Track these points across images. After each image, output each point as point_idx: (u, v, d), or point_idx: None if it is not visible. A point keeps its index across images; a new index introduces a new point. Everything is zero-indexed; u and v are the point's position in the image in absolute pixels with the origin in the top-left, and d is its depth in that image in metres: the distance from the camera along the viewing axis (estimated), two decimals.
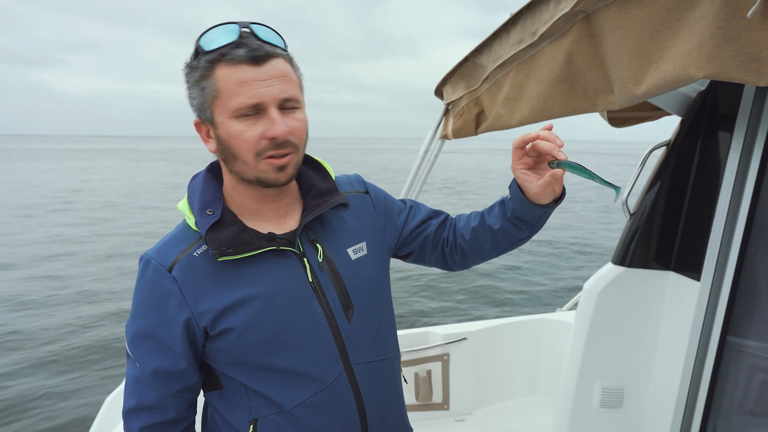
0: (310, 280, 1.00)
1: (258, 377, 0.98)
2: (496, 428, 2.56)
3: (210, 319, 0.95)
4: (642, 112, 2.06)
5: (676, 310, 1.85)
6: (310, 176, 1.09)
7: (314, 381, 0.99)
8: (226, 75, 0.88)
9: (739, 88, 1.58)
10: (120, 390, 2.23)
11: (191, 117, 0.97)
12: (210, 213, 0.96)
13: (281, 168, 0.92)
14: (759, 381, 1.54)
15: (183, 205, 1.01)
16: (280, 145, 0.90)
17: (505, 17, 1.59)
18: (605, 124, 2.30)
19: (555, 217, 15.40)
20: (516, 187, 1.04)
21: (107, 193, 21.46)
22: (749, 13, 0.71)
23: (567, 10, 1.21)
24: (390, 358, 1.12)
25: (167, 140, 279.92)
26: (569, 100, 1.34)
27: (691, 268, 1.75)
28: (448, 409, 2.68)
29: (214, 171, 1.05)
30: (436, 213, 1.25)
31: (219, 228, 0.95)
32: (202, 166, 1.05)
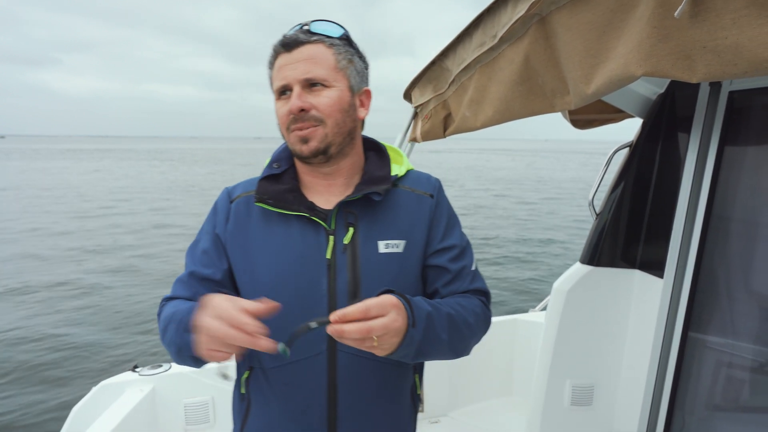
0: (328, 257, 1.03)
1: None
2: (471, 429, 2.57)
3: (233, 250, 1.07)
4: (604, 114, 2.10)
5: (642, 308, 1.88)
6: (371, 161, 1.15)
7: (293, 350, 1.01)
8: (274, 63, 1.04)
9: (695, 90, 1.62)
10: (87, 400, 2.21)
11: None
12: (276, 166, 1.10)
13: (304, 140, 1.01)
14: (720, 375, 1.58)
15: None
16: (298, 118, 1.00)
17: None
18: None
19: (547, 215, 15.42)
20: None
21: None
22: (676, 13, 0.73)
23: (522, 13, 1.23)
24: (382, 362, 1.04)
25: (167, 140, 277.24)
26: (529, 101, 1.37)
27: (655, 266, 1.78)
28: (422, 411, 2.67)
29: None
30: (457, 281, 1.12)
31: (274, 181, 1.08)
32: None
